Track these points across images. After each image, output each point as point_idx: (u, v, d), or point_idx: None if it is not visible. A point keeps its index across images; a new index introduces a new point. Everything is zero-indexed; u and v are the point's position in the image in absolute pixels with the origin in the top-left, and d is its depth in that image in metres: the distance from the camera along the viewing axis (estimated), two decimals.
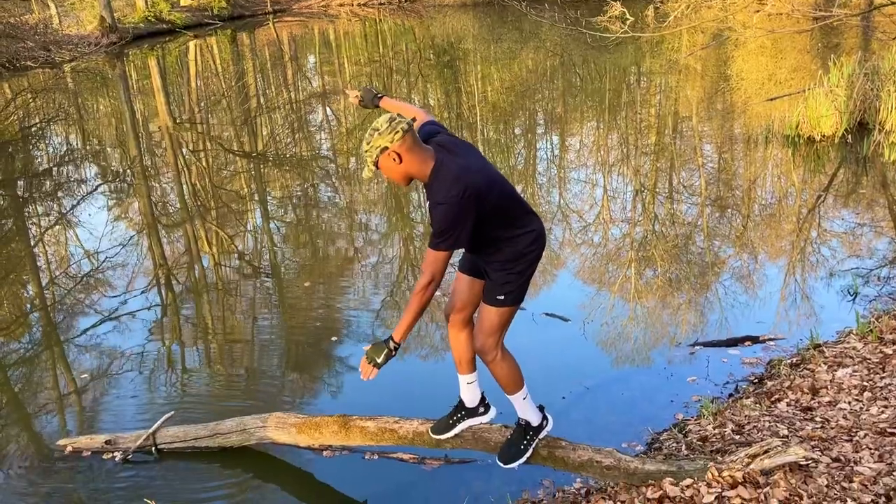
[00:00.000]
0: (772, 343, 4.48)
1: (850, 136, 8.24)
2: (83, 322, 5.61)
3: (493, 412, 3.33)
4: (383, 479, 3.70)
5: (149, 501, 3.46)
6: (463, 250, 3.13)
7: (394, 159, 2.68)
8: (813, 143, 8.31)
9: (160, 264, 6.67)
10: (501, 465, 3.15)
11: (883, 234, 6.11)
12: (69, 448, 3.93)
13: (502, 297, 2.90)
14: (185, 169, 9.87)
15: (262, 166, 9.92)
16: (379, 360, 2.81)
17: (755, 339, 4.52)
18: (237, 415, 3.91)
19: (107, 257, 6.78)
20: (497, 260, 2.87)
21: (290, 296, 5.94)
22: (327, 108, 13.65)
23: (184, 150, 10.93)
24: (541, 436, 3.17)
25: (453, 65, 17.53)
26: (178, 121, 12.85)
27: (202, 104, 14.36)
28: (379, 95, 3.33)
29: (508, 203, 2.83)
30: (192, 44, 24.06)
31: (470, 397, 3.27)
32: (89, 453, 3.90)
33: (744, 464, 2.91)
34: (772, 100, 10.46)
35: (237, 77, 17.45)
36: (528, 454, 3.13)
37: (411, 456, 3.74)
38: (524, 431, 3.14)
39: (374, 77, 16.45)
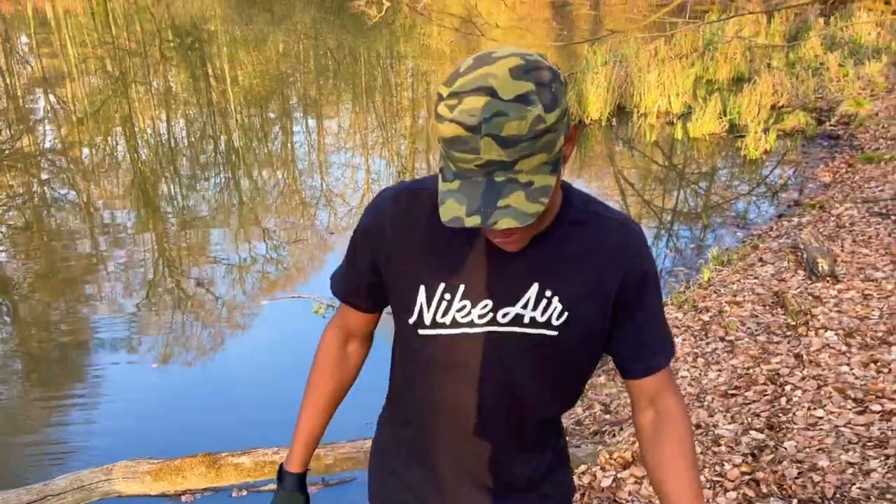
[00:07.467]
0: None
1: (613, 119, 9.07)
2: None
3: None
4: None
5: None
6: None
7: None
8: (584, 127, 9.03)
9: None
10: None
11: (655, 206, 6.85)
12: None
13: None
14: None
15: None
16: None
17: None
18: None
19: None
20: None
21: (27, 311, 5.37)
22: (51, 95, 12.24)
23: None
24: None
25: (199, 47, 16.48)
26: None
27: None
28: None
29: None
30: None
31: None
32: None
33: (629, 443, 3.11)
34: None
35: None
36: None
37: None
38: None
39: (109, 60, 14.92)
